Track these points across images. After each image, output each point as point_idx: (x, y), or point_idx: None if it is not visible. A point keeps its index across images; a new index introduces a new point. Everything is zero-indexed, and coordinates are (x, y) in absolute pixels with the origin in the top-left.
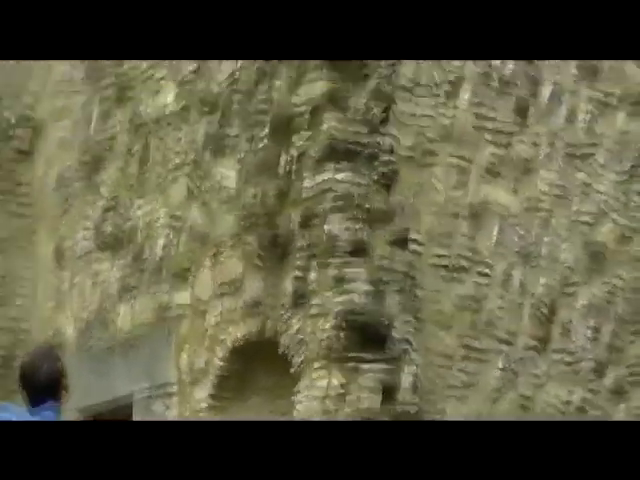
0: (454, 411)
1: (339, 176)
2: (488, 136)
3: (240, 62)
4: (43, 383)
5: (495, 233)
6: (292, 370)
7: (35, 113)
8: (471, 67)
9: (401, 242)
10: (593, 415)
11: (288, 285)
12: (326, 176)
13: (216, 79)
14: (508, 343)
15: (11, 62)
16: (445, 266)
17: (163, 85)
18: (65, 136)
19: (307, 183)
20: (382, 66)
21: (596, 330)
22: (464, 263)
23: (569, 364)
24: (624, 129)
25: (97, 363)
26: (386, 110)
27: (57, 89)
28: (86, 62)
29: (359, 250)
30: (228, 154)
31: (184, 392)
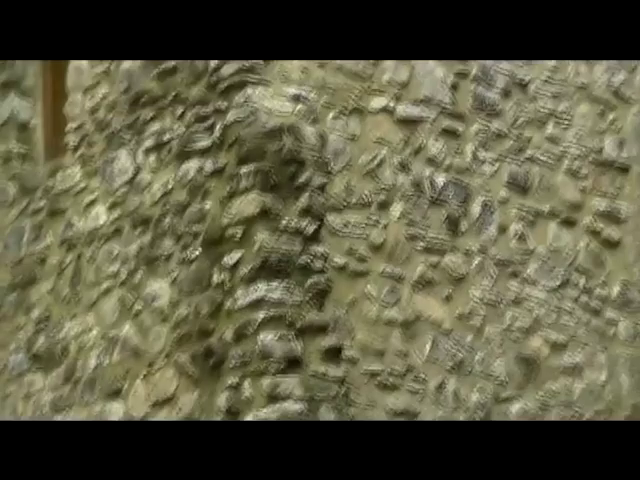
0: None
1: (272, 291)
2: (420, 248)
3: (172, 181)
4: None
5: (428, 344)
6: None
7: None
8: (403, 180)
9: (334, 355)
10: None
11: (222, 400)
12: (259, 291)
13: (148, 197)
14: None
15: None
16: (379, 378)
17: (95, 201)
18: None
19: (240, 298)
20: (313, 185)
21: None
22: (398, 374)
23: None
24: (555, 241)
25: None
26: (318, 225)
27: None
28: (17, 178)
29: (292, 363)
30: (161, 270)
31: None
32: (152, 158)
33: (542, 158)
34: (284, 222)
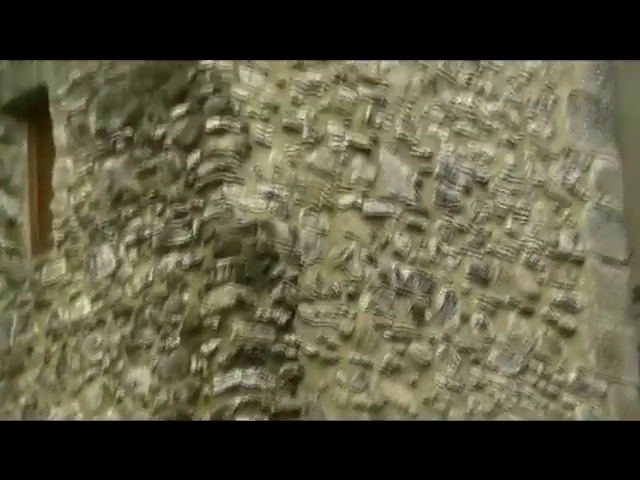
0: None
1: (247, 377)
2: (387, 336)
3: (152, 274)
4: None
5: None
6: None
7: None
8: (370, 272)
9: None
10: None
11: None
12: (235, 378)
13: (129, 289)
14: None
15: None
16: None
17: (79, 293)
18: None
19: (217, 384)
20: (286, 277)
21: None
22: None
23: None
24: (514, 330)
25: None
26: (291, 315)
27: None
28: (5, 272)
29: None
30: (142, 358)
31: None
32: (133, 252)
33: (502, 251)
34: (258, 312)
